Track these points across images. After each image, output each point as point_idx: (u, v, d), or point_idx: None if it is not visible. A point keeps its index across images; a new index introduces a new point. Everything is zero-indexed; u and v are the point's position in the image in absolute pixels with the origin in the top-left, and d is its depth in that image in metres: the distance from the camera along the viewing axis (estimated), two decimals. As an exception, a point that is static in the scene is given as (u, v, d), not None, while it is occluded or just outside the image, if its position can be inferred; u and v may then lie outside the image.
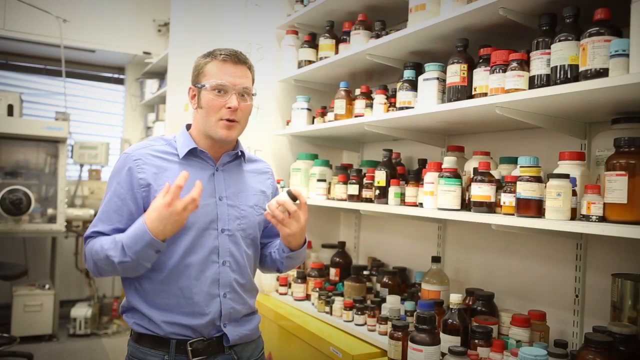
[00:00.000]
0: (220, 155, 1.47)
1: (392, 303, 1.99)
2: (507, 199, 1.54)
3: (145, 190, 1.36)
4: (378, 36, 2.15)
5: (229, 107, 1.37)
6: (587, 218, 1.35)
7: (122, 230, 1.35)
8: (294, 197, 1.38)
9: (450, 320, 1.65)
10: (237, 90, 1.39)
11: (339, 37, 2.47)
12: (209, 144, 1.44)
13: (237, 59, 1.41)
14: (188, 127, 1.50)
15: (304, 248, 1.51)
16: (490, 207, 1.60)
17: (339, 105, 2.38)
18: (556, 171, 1.50)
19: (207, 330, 1.39)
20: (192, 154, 1.43)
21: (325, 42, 2.48)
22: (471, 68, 1.69)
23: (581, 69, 1.31)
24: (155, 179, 1.37)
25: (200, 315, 1.37)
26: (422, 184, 1.87)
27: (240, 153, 1.51)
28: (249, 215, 1.48)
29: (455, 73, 1.71)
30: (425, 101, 1.82)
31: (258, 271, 1.62)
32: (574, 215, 1.42)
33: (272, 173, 1.62)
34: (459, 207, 1.71)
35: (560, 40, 1.38)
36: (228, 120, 1.38)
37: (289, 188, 1.39)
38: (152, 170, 1.38)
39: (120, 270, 1.31)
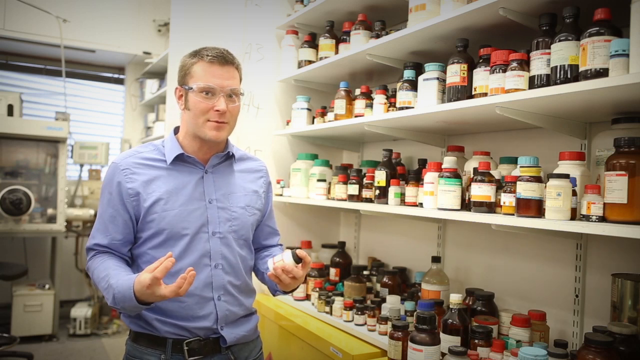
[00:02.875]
0: (209, 157, 1.45)
1: (392, 303, 1.99)
2: (507, 199, 1.53)
3: (135, 200, 1.37)
4: (378, 36, 2.14)
5: (217, 110, 1.35)
6: (587, 218, 1.35)
7: (119, 241, 1.37)
8: (298, 259, 1.33)
9: (450, 320, 1.65)
10: (225, 92, 1.36)
11: (339, 37, 2.47)
12: (198, 145, 1.43)
13: (224, 60, 1.38)
14: (176, 130, 1.49)
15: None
16: (490, 207, 1.60)
17: (339, 105, 2.38)
18: (556, 171, 1.50)
19: (204, 332, 1.39)
20: (180, 159, 1.42)
21: (325, 42, 2.48)
22: (471, 68, 1.69)
23: (581, 69, 1.31)
24: (144, 188, 1.37)
25: (194, 318, 1.37)
26: (422, 184, 1.87)
27: (230, 154, 1.50)
28: (240, 217, 1.47)
29: (455, 73, 1.71)
30: (425, 101, 1.82)
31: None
32: (574, 215, 1.42)
33: (266, 171, 1.61)
34: (459, 207, 1.71)
35: (560, 40, 1.38)
36: (217, 121, 1.37)
37: (294, 250, 1.33)
38: (140, 178, 1.38)
39: None
